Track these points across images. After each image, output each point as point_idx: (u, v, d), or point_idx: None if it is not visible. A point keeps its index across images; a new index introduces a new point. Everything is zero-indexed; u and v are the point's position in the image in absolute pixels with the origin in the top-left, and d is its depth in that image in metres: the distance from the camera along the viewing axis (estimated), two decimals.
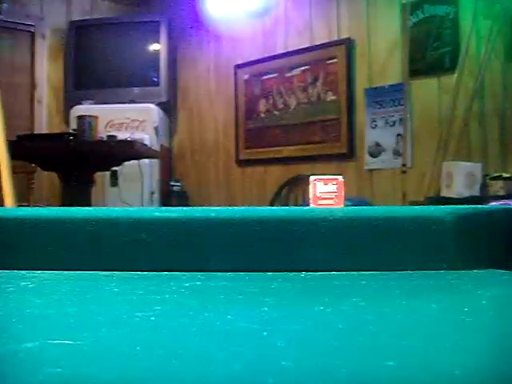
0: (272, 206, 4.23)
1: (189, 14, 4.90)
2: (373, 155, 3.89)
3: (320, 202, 1.37)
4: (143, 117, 4.71)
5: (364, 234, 0.95)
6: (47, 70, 4.83)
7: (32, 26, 4.73)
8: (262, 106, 4.60)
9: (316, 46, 4.23)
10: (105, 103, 4.60)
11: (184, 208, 1.03)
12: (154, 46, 4.97)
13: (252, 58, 4.65)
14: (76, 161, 3.01)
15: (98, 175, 3.55)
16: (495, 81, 3.28)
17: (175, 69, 5.18)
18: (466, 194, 3.05)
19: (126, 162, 3.72)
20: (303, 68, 4.32)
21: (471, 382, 0.41)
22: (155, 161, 4.57)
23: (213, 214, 0.97)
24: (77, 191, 3.06)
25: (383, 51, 3.84)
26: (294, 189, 4.29)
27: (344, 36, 4.05)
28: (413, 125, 3.63)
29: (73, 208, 1.02)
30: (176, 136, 5.28)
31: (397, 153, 3.72)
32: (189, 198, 5.04)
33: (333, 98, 4.13)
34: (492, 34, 3.18)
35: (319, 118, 4.21)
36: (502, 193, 2.97)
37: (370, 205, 3.45)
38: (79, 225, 0.96)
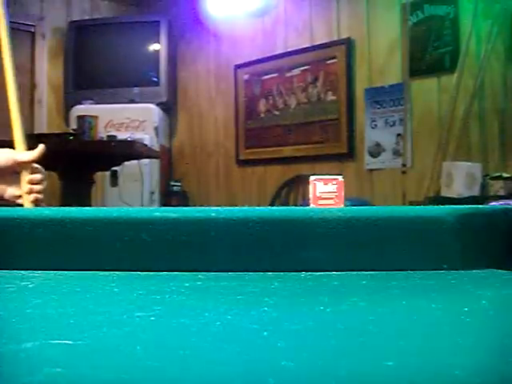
0: (272, 206, 4.23)
1: (189, 14, 4.90)
2: (373, 155, 3.89)
3: (320, 202, 1.37)
4: (143, 117, 4.72)
5: (364, 234, 0.95)
6: (47, 70, 4.83)
7: (32, 25, 4.73)
8: (262, 105, 4.60)
9: (316, 45, 4.23)
10: (105, 103, 4.60)
11: (184, 208, 1.03)
12: (154, 46, 4.97)
13: (252, 58, 4.65)
14: (76, 161, 3.01)
15: (98, 175, 3.55)
16: (495, 81, 3.28)
17: (175, 69, 5.18)
18: (466, 194, 3.05)
19: (126, 162, 3.72)
20: (303, 68, 4.32)
21: (471, 382, 0.41)
22: (155, 161, 4.57)
23: (213, 214, 0.97)
24: (77, 191, 3.06)
25: (383, 51, 3.84)
26: (294, 189, 4.29)
27: (344, 36, 4.05)
28: (413, 125, 3.63)
29: (73, 208, 1.02)
30: (176, 136, 5.28)
31: (397, 153, 3.72)
32: (189, 198, 5.04)
33: (333, 97, 4.13)
34: (492, 34, 3.18)
35: (319, 118, 4.21)
36: (501, 193, 2.97)
37: (370, 205, 3.44)
38: (79, 225, 0.96)
